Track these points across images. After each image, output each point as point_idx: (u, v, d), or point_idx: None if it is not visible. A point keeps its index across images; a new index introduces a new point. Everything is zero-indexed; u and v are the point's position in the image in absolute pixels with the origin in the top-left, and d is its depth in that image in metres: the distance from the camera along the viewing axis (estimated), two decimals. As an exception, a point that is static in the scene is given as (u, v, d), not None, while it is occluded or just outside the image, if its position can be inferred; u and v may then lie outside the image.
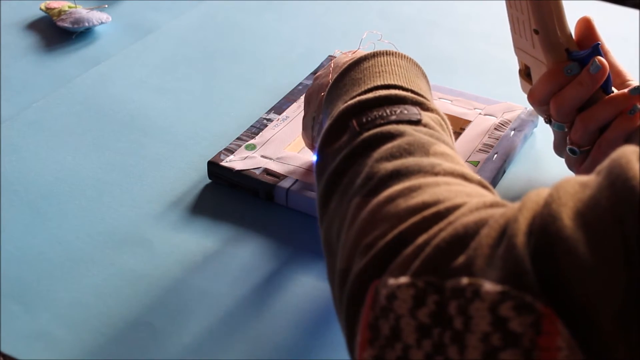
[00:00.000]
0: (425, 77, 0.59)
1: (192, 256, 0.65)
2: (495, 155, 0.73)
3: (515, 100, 0.80)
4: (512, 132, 0.76)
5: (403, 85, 0.55)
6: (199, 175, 0.74)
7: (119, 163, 0.75)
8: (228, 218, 0.69)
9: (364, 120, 0.51)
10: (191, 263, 0.65)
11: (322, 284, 0.63)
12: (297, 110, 0.78)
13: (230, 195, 0.71)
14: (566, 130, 0.68)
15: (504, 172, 0.74)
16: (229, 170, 0.71)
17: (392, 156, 0.48)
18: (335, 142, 0.52)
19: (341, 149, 0.51)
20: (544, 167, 0.76)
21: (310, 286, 0.63)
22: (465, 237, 0.40)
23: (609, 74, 0.65)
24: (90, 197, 0.71)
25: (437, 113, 0.54)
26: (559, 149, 0.71)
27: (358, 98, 0.53)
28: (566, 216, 0.37)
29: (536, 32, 0.65)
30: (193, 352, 0.57)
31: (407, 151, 0.48)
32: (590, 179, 0.39)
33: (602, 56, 0.65)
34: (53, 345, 0.57)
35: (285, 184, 0.69)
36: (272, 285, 0.63)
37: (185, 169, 0.75)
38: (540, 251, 0.37)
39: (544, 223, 0.37)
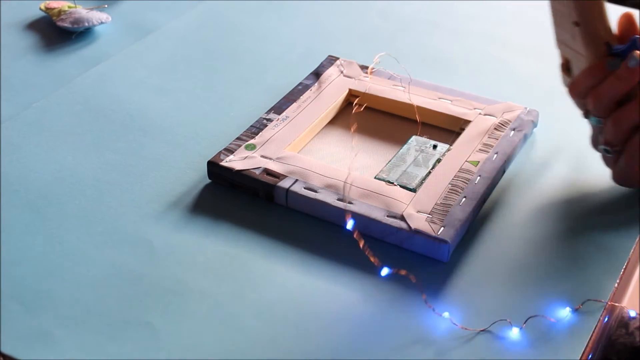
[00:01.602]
0: None
1: (192, 256, 0.65)
2: (495, 155, 0.73)
3: (515, 100, 0.80)
4: (512, 132, 0.76)
5: None
6: (199, 175, 0.74)
7: (119, 163, 0.75)
8: (228, 218, 0.69)
9: None
10: (191, 263, 0.65)
11: (322, 285, 0.63)
12: (296, 110, 0.78)
13: (230, 195, 0.71)
14: (603, 125, 0.67)
15: (504, 172, 0.74)
16: (229, 170, 0.71)
17: None
18: None
19: None
20: (544, 167, 0.76)
21: (310, 286, 0.63)
22: None
23: None
24: (90, 197, 0.71)
25: None
26: (595, 143, 0.69)
27: None
28: None
29: (577, 24, 0.66)
30: (193, 352, 0.57)
31: None
32: None
33: None
34: (53, 345, 0.57)
35: (285, 184, 0.69)
36: (271, 286, 0.63)
37: (185, 169, 0.75)
38: None
39: None
